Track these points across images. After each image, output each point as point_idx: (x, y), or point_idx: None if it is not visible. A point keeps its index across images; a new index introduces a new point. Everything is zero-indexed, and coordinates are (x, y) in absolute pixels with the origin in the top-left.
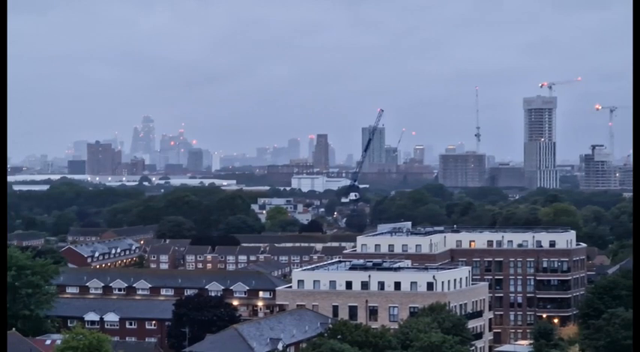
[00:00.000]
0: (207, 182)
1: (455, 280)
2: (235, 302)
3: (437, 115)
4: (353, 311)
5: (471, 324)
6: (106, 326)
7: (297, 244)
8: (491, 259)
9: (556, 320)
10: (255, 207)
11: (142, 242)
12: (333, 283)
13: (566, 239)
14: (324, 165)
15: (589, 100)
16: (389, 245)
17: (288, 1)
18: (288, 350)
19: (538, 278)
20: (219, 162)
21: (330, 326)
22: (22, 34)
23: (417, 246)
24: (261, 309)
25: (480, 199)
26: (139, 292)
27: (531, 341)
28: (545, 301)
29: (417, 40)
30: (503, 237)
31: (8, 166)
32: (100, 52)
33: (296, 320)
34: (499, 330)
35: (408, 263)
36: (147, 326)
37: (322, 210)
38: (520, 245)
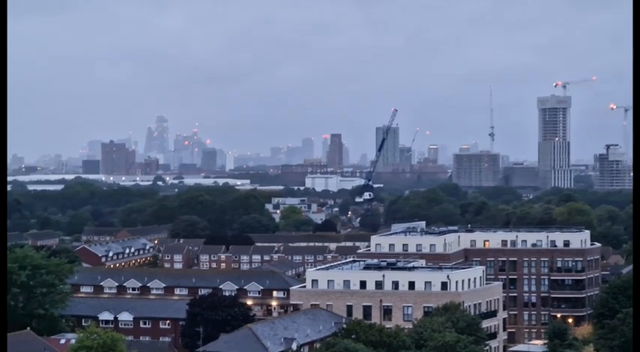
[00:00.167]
0: (221, 181)
1: (469, 280)
2: (249, 302)
3: (451, 115)
4: (367, 311)
5: (485, 324)
6: (120, 326)
7: (311, 244)
8: (505, 259)
9: (570, 320)
10: (269, 207)
11: (156, 241)
12: (347, 283)
13: (580, 238)
14: (338, 164)
15: (603, 100)
16: (403, 244)
17: (302, 1)
18: (302, 349)
19: (552, 277)
20: (233, 161)
21: (344, 325)
22: (36, 35)
23: (431, 245)
24: (275, 309)
25: (494, 199)
26: (153, 291)
27: (545, 341)
28: (559, 301)
29: (431, 39)
30: (517, 236)
31: (23, 166)
32: (115, 52)
33: (310, 319)
34: (513, 330)
35: (422, 262)
36: (161, 326)
37: (336, 209)
38: (534, 244)
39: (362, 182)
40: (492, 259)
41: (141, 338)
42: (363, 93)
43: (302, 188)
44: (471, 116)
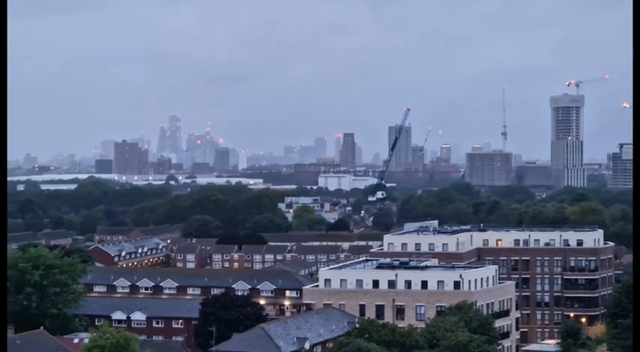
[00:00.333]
0: (233, 181)
1: (482, 279)
2: (262, 302)
3: (463, 114)
4: (380, 310)
5: (498, 323)
6: (132, 325)
7: (324, 243)
8: (518, 258)
9: (583, 320)
10: (282, 206)
11: (168, 241)
12: (359, 282)
13: (593, 238)
14: (351, 163)
15: (616, 98)
16: (416, 244)
17: (314, 0)
18: (314, 349)
19: (565, 277)
20: (245, 161)
21: (357, 325)
22: (48, 35)
23: (443, 244)
24: (287, 308)
25: (506, 198)
26: (166, 291)
27: (558, 341)
28: (572, 300)
29: (444, 39)
30: (530, 235)
31: (36, 166)
32: (127, 51)
33: (323, 319)
34: (526, 329)
35: (434, 262)
36: (174, 325)
37: (349, 208)
38: (547, 244)
39: (375, 181)
40: (505, 258)
41: (154, 337)
42: (375, 93)
43: (315, 187)
44: (484, 115)
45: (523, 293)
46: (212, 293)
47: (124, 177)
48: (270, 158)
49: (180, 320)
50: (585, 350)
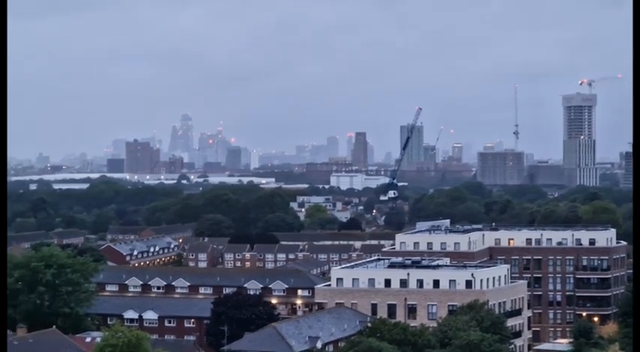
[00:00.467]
0: (245, 180)
1: (494, 278)
2: (274, 301)
3: (475, 113)
4: (392, 310)
5: (510, 323)
6: (144, 324)
7: (336, 242)
8: (530, 257)
9: (596, 319)
10: (294, 205)
11: (180, 240)
12: (371, 281)
13: (606, 237)
14: (363, 163)
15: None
16: (427, 243)
17: None
18: (326, 348)
19: (577, 276)
20: (257, 160)
21: (369, 324)
22: (59, 35)
23: (455, 243)
24: (299, 308)
25: (518, 197)
26: (178, 290)
27: (571, 340)
28: (584, 299)
29: (455, 37)
30: (542, 234)
31: (48, 165)
32: (139, 51)
33: (335, 318)
34: (538, 329)
35: (446, 261)
36: (185, 324)
37: (361, 207)
38: (559, 243)
39: (387, 180)
40: (517, 257)
41: (165, 336)
42: (387, 92)
43: (327, 186)
44: (496, 114)
45: (535, 293)
46: (224, 292)
47: (135, 177)
48: (282, 157)
49: (192, 320)
50: (597, 350)
